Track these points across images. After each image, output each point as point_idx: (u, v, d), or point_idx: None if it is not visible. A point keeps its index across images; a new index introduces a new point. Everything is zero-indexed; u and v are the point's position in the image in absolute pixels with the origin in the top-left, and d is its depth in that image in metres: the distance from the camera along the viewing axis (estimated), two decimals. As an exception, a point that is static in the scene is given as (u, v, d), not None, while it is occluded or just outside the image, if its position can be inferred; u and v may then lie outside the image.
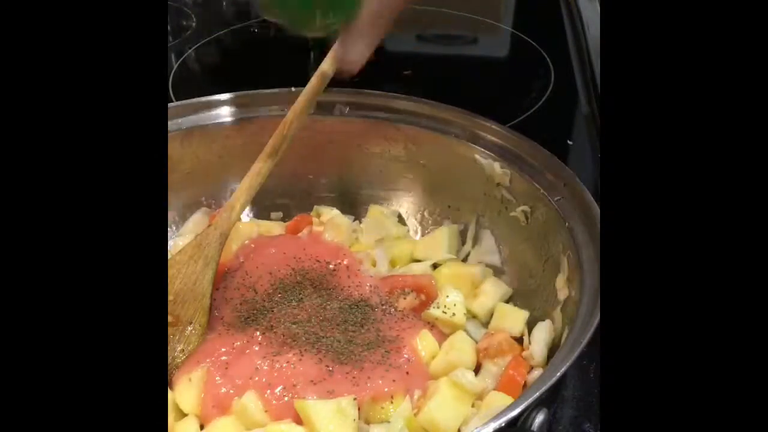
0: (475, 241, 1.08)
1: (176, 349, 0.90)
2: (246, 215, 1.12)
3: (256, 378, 0.85)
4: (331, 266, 1.01)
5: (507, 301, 1.00)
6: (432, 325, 0.96)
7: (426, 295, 0.98)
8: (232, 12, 1.90)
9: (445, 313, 0.96)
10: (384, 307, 0.96)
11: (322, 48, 0.93)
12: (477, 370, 0.91)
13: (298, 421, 0.81)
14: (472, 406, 0.85)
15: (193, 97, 1.11)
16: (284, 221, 1.15)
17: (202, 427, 0.84)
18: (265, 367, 0.86)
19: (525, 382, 0.88)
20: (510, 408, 0.68)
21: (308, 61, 1.36)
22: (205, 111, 1.10)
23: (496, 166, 1.01)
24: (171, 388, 0.87)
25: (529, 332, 0.94)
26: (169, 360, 0.89)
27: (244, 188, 0.99)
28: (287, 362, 0.86)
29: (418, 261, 1.07)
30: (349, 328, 0.91)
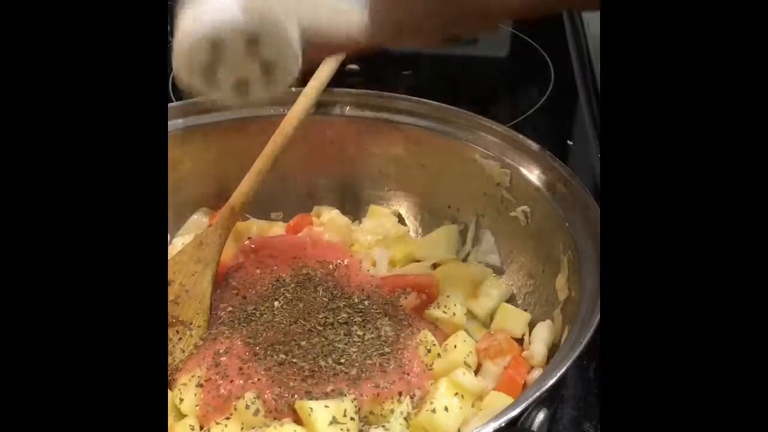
0: (475, 241, 1.08)
1: (176, 349, 0.90)
2: (246, 215, 1.11)
3: (256, 378, 0.85)
4: (331, 266, 1.01)
5: (507, 301, 1.00)
6: (433, 325, 0.96)
7: (427, 295, 0.98)
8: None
9: (446, 313, 0.96)
10: (384, 306, 0.96)
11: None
12: (477, 370, 0.91)
13: (298, 421, 0.81)
14: (472, 406, 0.86)
15: (193, 97, 1.11)
16: (284, 221, 1.14)
17: (201, 428, 0.84)
18: (265, 368, 0.86)
19: (525, 382, 0.88)
20: (510, 408, 0.68)
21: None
22: (205, 111, 1.10)
23: (496, 166, 1.01)
24: (170, 389, 0.87)
25: (530, 332, 0.94)
26: (169, 361, 0.89)
27: (244, 188, 0.99)
28: (287, 362, 0.86)
29: (418, 261, 1.07)
30: (349, 328, 0.91)
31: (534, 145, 0.99)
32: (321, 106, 1.08)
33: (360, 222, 1.13)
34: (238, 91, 0.75)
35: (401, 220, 1.14)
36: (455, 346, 0.91)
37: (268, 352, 0.88)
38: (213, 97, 0.76)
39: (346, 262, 1.02)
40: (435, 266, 1.05)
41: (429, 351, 0.91)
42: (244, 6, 0.70)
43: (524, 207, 1.00)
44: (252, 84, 0.75)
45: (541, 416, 0.71)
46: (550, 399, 0.73)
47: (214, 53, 0.72)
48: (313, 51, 0.75)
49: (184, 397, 0.85)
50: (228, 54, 0.71)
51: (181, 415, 0.85)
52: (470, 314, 0.98)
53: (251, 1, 0.70)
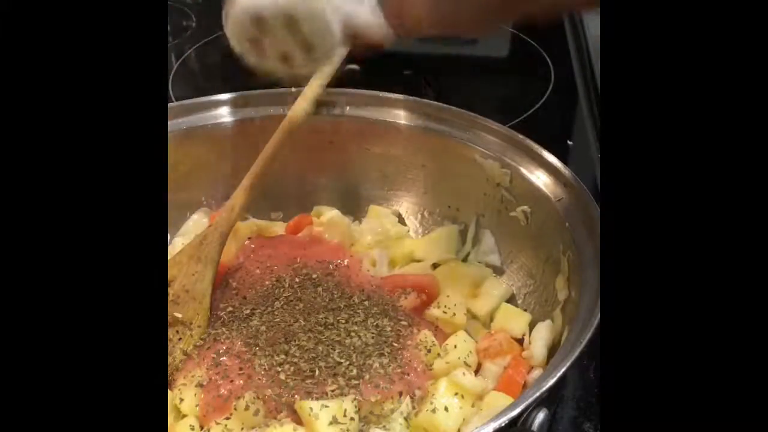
0: (475, 241, 1.08)
1: (176, 349, 0.90)
2: (246, 215, 1.11)
3: (256, 378, 0.85)
4: (331, 266, 1.01)
5: (507, 301, 1.00)
6: (433, 325, 0.96)
7: (427, 295, 0.98)
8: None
9: (446, 313, 0.96)
10: (384, 307, 0.96)
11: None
12: (477, 370, 0.91)
13: (298, 421, 0.81)
14: (472, 406, 0.86)
15: (193, 97, 1.11)
16: (284, 221, 1.15)
17: (201, 427, 0.84)
18: (265, 368, 0.86)
19: (525, 382, 0.88)
20: (510, 408, 0.68)
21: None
22: (205, 111, 1.10)
23: (496, 166, 1.01)
24: (171, 389, 0.87)
25: (530, 332, 0.94)
26: (169, 361, 0.89)
27: (243, 188, 0.99)
28: (287, 362, 0.86)
29: (418, 261, 1.07)
30: (349, 328, 0.91)
31: (534, 145, 0.99)
32: (321, 106, 1.08)
33: (360, 222, 1.13)
34: (284, 63, 0.82)
35: (401, 220, 1.14)
36: (455, 346, 0.91)
37: (268, 353, 0.88)
38: (261, 66, 0.84)
39: (346, 262, 1.02)
40: (435, 266, 1.05)
41: (429, 351, 0.91)
42: None
43: (524, 207, 1.00)
44: (295, 59, 0.81)
45: (541, 416, 0.71)
46: (550, 399, 0.73)
47: (259, 27, 0.79)
48: (354, 46, 0.80)
49: (184, 397, 0.85)
50: (270, 30, 0.79)
51: (181, 415, 0.85)
52: (470, 314, 0.98)
53: None
